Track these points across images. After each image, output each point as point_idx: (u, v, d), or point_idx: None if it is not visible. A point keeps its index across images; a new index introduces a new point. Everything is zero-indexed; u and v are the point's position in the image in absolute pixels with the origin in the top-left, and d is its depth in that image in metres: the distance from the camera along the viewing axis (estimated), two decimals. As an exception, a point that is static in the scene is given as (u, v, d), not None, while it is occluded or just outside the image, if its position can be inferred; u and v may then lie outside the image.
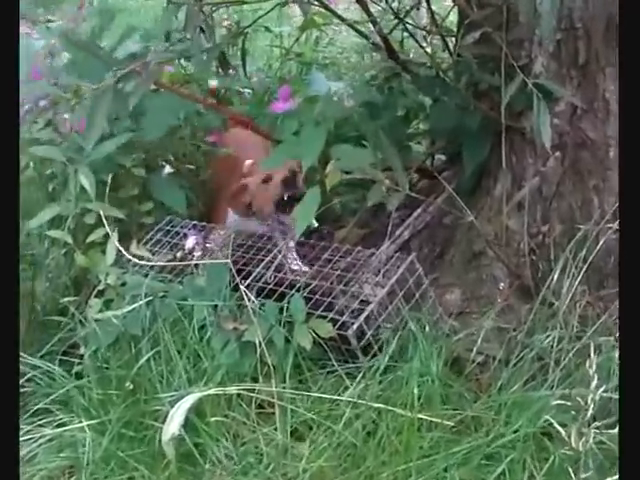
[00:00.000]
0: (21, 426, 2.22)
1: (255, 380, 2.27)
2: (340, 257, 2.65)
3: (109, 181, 2.99)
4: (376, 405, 2.17)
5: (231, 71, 4.13)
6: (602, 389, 1.94)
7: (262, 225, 2.85)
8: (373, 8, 2.90)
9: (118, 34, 3.06)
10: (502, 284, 2.68)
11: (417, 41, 3.22)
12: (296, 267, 2.74)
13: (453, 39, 2.83)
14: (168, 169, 2.97)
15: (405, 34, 3.43)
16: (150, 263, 2.60)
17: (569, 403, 2.04)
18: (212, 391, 2.17)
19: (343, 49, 5.46)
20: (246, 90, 4.19)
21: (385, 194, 2.32)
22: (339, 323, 2.36)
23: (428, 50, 3.32)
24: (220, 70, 3.84)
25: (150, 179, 2.96)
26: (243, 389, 2.20)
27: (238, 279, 2.37)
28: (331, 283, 2.52)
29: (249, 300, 2.27)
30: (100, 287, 2.61)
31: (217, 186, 3.10)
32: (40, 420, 2.30)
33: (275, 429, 2.18)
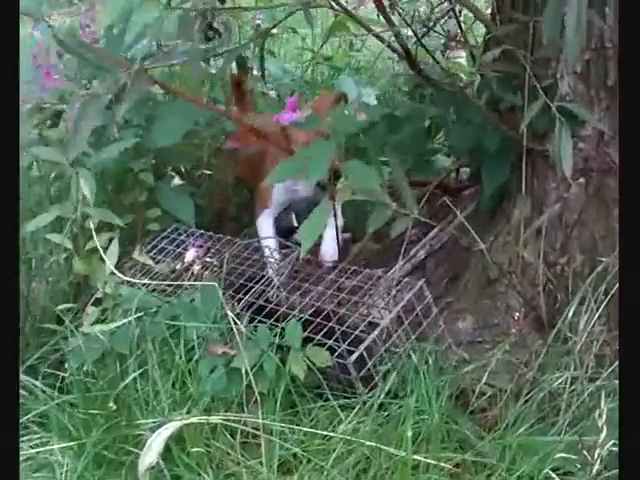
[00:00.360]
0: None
1: (243, 408, 2.15)
2: (347, 278, 2.52)
3: (115, 185, 2.94)
4: (368, 443, 2.04)
5: (255, 73, 4.03)
6: (611, 443, 1.80)
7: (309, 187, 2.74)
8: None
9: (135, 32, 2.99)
10: (517, 314, 2.53)
11: (432, 56, 3.08)
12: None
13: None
14: (177, 180, 2.87)
15: (433, 44, 3.32)
16: (146, 281, 2.49)
17: (575, 457, 1.89)
18: (195, 419, 2.04)
19: (378, 54, 5.32)
20: (272, 92, 4.11)
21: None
22: (338, 352, 2.23)
23: (457, 63, 3.20)
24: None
25: (158, 187, 2.88)
26: (227, 418, 2.08)
27: (226, 304, 2.23)
28: (335, 306, 2.40)
29: (237, 324, 2.14)
30: (98, 295, 2.52)
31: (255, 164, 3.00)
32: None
33: (261, 462, 2.06)
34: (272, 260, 2.71)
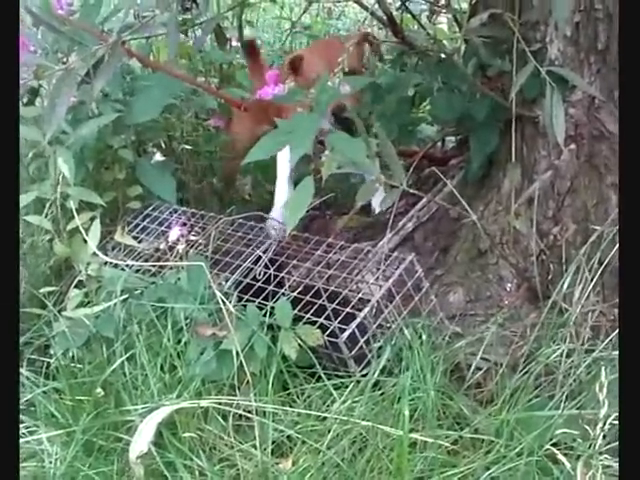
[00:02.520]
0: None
1: (234, 390, 2.10)
2: (335, 253, 2.47)
3: (94, 163, 2.87)
4: (364, 423, 1.99)
5: (234, 44, 3.96)
6: (613, 417, 1.76)
7: None
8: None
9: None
10: (509, 285, 2.49)
11: (418, 21, 3.02)
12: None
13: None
14: (158, 156, 2.80)
15: (413, 9, 3.25)
16: (130, 262, 2.44)
17: (575, 432, 1.85)
18: (185, 404, 1.99)
19: (357, 22, 5.24)
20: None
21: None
22: (330, 329, 2.18)
23: (440, 29, 3.15)
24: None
25: (138, 164, 2.81)
26: (219, 401, 2.03)
27: (212, 282, 2.17)
28: (324, 283, 2.35)
29: (226, 304, 2.08)
30: (81, 277, 2.46)
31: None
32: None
33: (254, 446, 2.01)
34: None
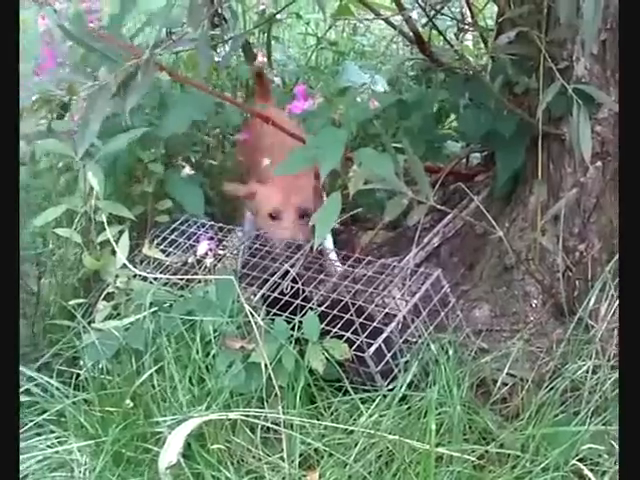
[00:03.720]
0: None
1: (262, 403, 2.12)
2: (361, 268, 2.48)
3: (123, 177, 2.89)
4: (391, 436, 2.00)
5: (261, 60, 3.98)
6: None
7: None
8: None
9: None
10: (535, 302, 2.50)
11: (445, 38, 3.03)
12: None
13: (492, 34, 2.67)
14: (187, 170, 2.82)
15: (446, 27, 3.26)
16: (159, 275, 2.46)
17: (602, 448, 1.86)
18: (214, 416, 2.01)
19: (382, 38, 5.25)
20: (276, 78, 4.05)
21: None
22: (357, 343, 2.19)
23: (465, 45, 3.16)
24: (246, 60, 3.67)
25: (168, 177, 2.83)
26: (247, 414, 2.04)
27: (242, 297, 2.19)
28: (351, 297, 2.36)
29: (254, 318, 2.10)
30: (109, 290, 2.48)
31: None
32: (34, 437, 2.16)
33: (282, 458, 2.02)
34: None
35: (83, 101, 2.05)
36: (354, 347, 2.18)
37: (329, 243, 2.92)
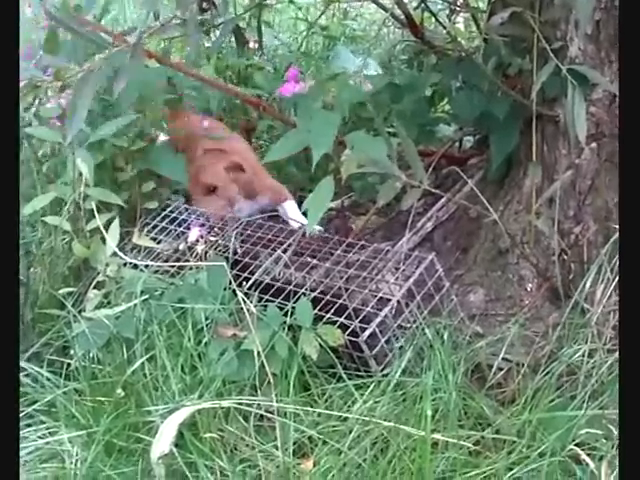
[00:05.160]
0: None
1: (255, 390, 2.09)
2: (354, 253, 2.46)
3: (108, 163, 2.85)
4: (386, 423, 1.98)
5: (252, 45, 3.96)
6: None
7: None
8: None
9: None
10: (530, 285, 2.47)
11: (438, 20, 3.00)
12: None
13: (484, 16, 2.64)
14: (162, 137, 2.78)
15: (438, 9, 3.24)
16: (150, 262, 2.44)
17: (599, 432, 1.84)
18: (207, 404, 1.99)
19: (373, 22, 5.22)
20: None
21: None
22: (350, 329, 2.17)
23: (457, 28, 3.13)
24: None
25: (146, 151, 2.78)
26: (240, 402, 2.02)
27: (234, 283, 2.16)
28: (344, 283, 2.34)
29: (247, 304, 2.08)
30: (99, 278, 2.46)
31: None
32: (25, 428, 2.13)
33: (275, 446, 2.00)
34: None
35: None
36: (348, 332, 2.16)
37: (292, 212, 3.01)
